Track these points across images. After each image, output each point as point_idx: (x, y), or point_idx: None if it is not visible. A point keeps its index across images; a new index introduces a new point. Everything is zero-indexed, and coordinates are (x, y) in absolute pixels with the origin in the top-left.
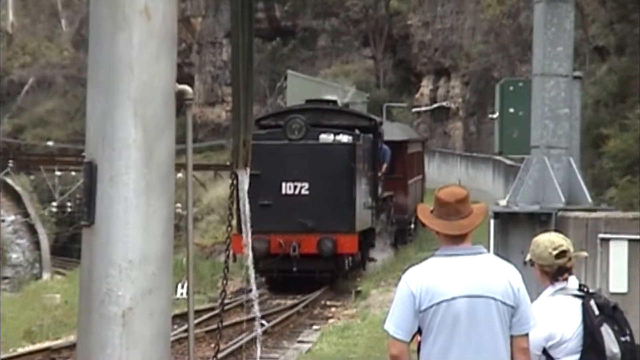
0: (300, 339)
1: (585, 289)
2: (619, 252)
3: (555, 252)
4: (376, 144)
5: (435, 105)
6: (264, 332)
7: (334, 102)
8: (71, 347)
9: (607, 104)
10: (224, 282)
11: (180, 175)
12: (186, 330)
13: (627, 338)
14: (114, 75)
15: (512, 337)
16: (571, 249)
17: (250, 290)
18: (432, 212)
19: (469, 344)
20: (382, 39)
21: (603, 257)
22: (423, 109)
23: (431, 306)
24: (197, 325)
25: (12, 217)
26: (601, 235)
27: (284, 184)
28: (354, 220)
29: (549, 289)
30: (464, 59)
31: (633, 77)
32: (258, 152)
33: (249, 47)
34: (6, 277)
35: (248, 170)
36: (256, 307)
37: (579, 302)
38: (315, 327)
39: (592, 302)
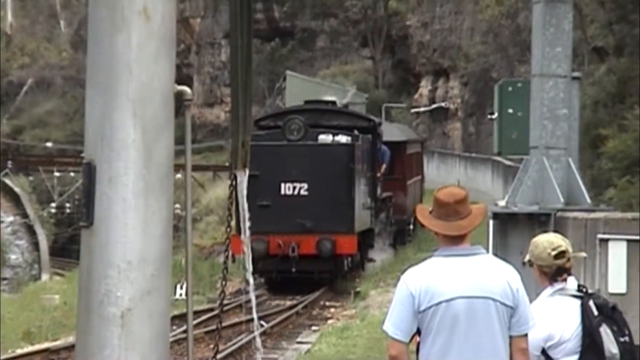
0: (299, 339)
1: (584, 290)
2: (617, 253)
3: (554, 253)
4: (375, 144)
5: (434, 106)
6: (263, 333)
7: (333, 102)
8: (70, 348)
9: (605, 104)
10: (223, 282)
11: (179, 176)
12: (185, 331)
13: (626, 338)
14: (112, 76)
15: (511, 337)
16: (570, 250)
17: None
18: (431, 212)
19: (468, 345)
20: (381, 40)
21: (602, 257)
22: (422, 109)
23: (430, 307)
24: (196, 326)
25: (11, 218)
26: (600, 236)
27: (282, 185)
28: (353, 220)
29: (548, 290)
30: (462, 59)
31: (632, 78)
32: (257, 153)
33: (248, 47)
34: (5, 278)
35: (247, 171)
36: (254, 310)
37: (577, 302)
38: (314, 327)
39: (591, 303)
